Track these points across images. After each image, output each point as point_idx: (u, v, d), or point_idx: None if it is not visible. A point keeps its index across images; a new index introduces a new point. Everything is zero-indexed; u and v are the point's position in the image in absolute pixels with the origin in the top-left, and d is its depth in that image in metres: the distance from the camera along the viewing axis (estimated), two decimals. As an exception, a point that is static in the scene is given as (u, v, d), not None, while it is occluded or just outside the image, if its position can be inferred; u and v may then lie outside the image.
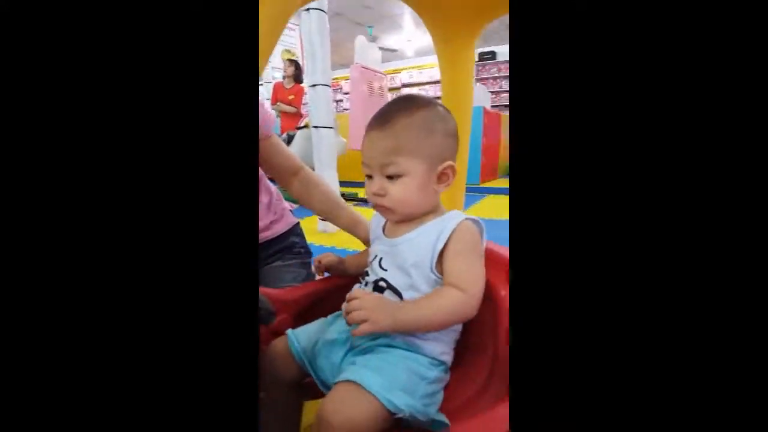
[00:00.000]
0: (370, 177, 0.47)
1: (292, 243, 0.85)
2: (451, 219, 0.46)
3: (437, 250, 0.45)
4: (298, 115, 3.37)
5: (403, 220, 0.49)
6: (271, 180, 0.82)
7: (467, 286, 0.43)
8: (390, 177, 0.45)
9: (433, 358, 0.45)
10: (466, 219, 0.47)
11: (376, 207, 0.48)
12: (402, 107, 0.46)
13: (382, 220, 0.53)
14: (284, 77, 3.53)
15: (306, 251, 0.87)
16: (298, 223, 0.89)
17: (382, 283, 0.48)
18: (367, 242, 0.64)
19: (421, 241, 0.46)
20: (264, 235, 0.80)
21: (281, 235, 0.83)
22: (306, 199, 0.76)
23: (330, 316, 0.54)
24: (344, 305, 0.43)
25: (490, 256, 0.49)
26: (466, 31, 0.64)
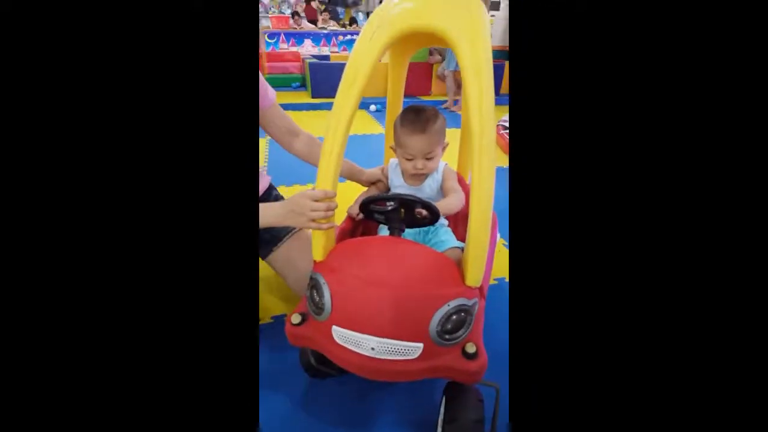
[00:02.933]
0: (410, 159, 0.84)
1: (275, 196, 1.04)
2: (439, 167, 0.88)
3: (439, 182, 0.87)
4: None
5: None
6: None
7: (459, 189, 0.87)
8: (427, 158, 0.82)
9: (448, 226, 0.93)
10: (445, 164, 0.91)
11: (416, 175, 0.86)
12: (430, 117, 0.82)
13: (399, 174, 0.91)
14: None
15: None
16: (271, 181, 1.06)
17: None
18: (366, 184, 0.98)
19: (432, 184, 0.87)
20: None
21: (264, 192, 1.01)
22: (309, 156, 0.96)
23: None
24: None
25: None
26: (410, 51, 0.99)
